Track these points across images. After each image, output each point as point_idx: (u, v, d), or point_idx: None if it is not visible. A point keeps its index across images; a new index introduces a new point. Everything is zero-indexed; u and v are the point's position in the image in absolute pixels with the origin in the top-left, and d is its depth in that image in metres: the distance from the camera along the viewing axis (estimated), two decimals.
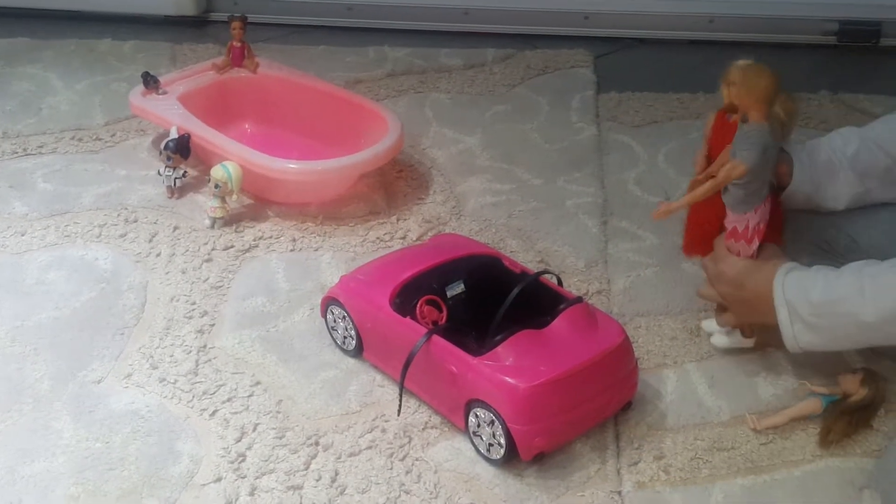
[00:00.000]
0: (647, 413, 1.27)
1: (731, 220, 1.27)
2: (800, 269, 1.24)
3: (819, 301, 1.19)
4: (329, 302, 1.36)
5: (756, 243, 1.27)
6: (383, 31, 2.34)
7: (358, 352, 1.34)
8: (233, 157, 1.61)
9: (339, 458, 1.20)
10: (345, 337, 1.35)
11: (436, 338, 1.21)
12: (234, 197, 1.61)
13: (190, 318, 1.42)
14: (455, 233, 1.59)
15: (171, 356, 1.35)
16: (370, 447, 1.21)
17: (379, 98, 2.01)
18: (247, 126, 1.87)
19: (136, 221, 1.63)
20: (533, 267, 1.45)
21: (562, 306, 1.23)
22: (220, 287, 1.49)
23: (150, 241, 1.58)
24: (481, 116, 1.98)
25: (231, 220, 1.63)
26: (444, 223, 1.64)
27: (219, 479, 1.17)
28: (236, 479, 1.17)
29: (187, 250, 1.56)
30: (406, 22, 2.38)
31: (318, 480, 1.17)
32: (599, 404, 1.21)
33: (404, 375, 1.22)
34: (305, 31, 2.37)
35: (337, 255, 1.56)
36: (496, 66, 2.18)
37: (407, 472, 1.18)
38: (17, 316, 1.42)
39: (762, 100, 1.19)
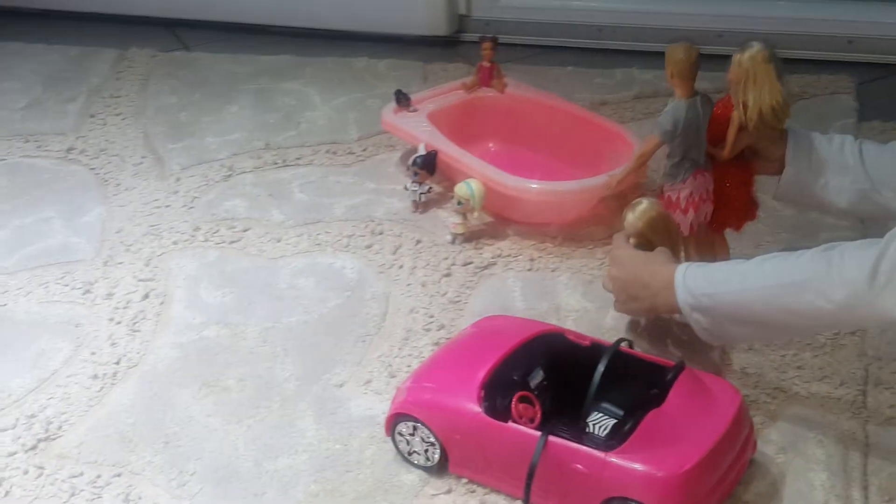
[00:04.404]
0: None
1: (666, 189, 1.38)
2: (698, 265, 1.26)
3: (714, 288, 1.19)
4: (398, 419, 1.21)
5: (691, 215, 1.36)
6: (632, 53, 2.31)
7: (443, 464, 1.20)
8: (476, 175, 1.64)
9: None
10: (426, 450, 1.20)
11: (551, 438, 1.11)
12: (476, 214, 1.63)
13: (428, 330, 1.45)
14: (496, 314, 1.43)
15: (409, 366, 1.38)
16: None
17: (624, 120, 1.98)
18: (491, 145, 1.89)
19: (381, 233, 1.68)
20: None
21: (669, 376, 1.15)
22: (458, 302, 1.51)
23: (394, 253, 1.63)
24: None
25: (471, 237, 1.66)
26: None
27: (449, 491, 1.18)
28: (465, 493, 1.18)
29: (428, 264, 1.60)
30: (656, 44, 2.32)
31: None
32: (735, 472, 1.13)
33: (529, 488, 1.10)
34: (553, 52, 2.38)
35: (574, 277, 1.55)
36: None
37: None
38: (269, 317, 1.50)
39: (678, 75, 1.34)
